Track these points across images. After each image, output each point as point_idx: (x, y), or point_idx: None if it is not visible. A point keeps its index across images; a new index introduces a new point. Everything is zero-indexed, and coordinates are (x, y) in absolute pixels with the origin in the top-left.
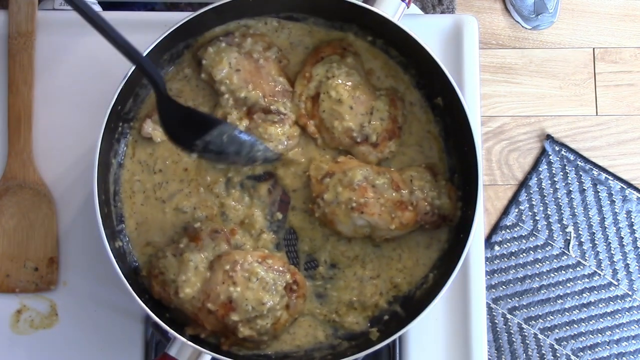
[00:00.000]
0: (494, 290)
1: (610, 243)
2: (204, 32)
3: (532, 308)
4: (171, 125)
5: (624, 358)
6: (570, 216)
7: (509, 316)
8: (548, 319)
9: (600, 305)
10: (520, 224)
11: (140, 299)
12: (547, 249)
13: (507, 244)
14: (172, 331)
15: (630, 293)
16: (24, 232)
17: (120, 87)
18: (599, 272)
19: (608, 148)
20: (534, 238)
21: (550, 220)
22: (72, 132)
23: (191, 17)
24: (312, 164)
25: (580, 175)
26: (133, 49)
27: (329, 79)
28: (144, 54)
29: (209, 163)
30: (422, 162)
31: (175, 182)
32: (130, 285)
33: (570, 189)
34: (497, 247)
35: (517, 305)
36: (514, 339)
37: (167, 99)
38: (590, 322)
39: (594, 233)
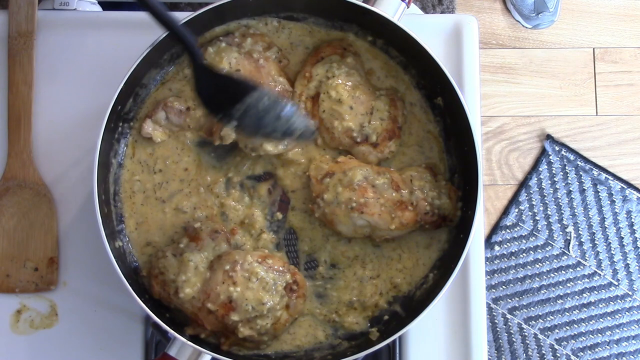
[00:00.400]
0: (494, 290)
1: (610, 243)
2: (204, 32)
3: (532, 308)
4: (207, 95)
5: (624, 358)
6: (570, 216)
7: (509, 316)
8: (548, 319)
9: (600, 305)
10: (520, 224)
11: (140, 299)
12: (547, 249)
13: (507, 244)
14: (172, 331)
15: (630, 293)
16: (24, 232)
17: (120, 87)
18: (599, 272)
19: (608, 148)
20: (534, 238)
21: (550, 220)
22: (72, 132)
23: (191, 17)
24: (312, 164)
25: (580, 175)
26: (168, 16)
27: (329, 79)
28: (183, 21)
29: (244, 136)
30: (422, 162)
31: (176, 182)
32: (130, 285)
33: (570, 189)
34: (497, 247)
35: (517, 305)
36: (514, 339)
37: (203, 68)
38: (591, 322)
39: (594, 233)
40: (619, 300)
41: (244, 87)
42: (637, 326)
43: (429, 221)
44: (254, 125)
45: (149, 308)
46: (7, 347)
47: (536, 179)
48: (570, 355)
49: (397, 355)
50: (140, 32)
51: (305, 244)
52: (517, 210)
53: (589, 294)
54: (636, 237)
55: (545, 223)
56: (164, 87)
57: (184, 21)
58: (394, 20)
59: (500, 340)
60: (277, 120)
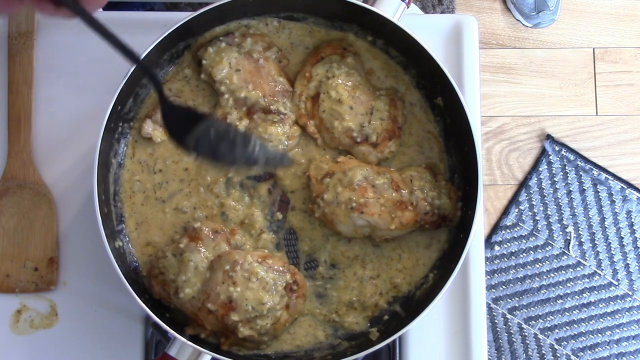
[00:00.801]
0: (494, 290)
1: (610, 243)
2: (204, 32)
3: (532, 308)
4: (171, 124)
5: (624, 358)
6: (570, 216)
7: (509, 316)
8: (548, 319)
9: (600, 305)
10: (520, 224)
11: (140, 299)
12: (547, 249)
13: (507, 244)
14: (172, 331)
15: (630, 293)
16: (24, 232)
17: (120, 87)
18: (599, 272)
19: (608, 148)
20: (534, 238)
21: (550, 220)
22: (72, 132)
23: (191, 17)
24: (312, 164)
25: (580, 175)
26: (131, 52)
27: (329, 79)
28: (143, 56)
29: (210, 165)
30: (422, 162)
31: (176, 182)
32: (130, 285)
33: (570, 189)
34: (497, 247)
35: (517, 305)
36: (514, 339)
37: (163, 99)
38: (590, 322)
39: (594, 233)
40: (619, 300)
41: (192, 116)
42: (637, 326)
43: (429, 221)
44: (212, 156)
45: (149, 308)
46: (7, 347)
47: (536, 179)
48: (570, 355)
49: (397, 355)
50: (140, 32)
51: (305, 244)
52: (517, 210)
53: (589, 294)
54: (636, 237)
55: (545, 223)
56: (164, 87)
57: (178, 25)
58: (394, 20)
59: (500, 340)
60: (232, 150)
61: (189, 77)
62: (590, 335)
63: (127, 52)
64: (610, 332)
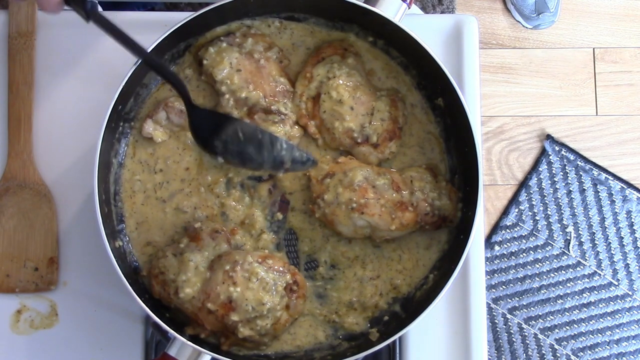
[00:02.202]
0: (494, 290)
1: (610, 243)
2: (205, 32)
3: (532, 308)
4: (198, 129)
5: (624, 358)
6: (570, 216)
7: (509, 316)
8: (548, 319)
9: (600, 305)
10: (520, 224)
11: (140, 299)
12: (547, 249)
13: (507, 244)
14: (172, 331)
15: (630, 293)
16: (24, 232)
17: (121, 87)
18: (599, 272)
19: (608, 148)
20: (534, 238)
21: (550, 220)
22: (72, 132)
23: (192, 17)
24: None
25: (580, 175)
26: (163, 64)
27: (329, 79)
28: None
29: (238, 168)
30: (423, 162)
31: (176, 181)
32: (130, 285)
33: (570, 189)
34: (497, 247)
35: (517, 305)
36: (514, 339)
37: (192, 106)
38: (590, 322)
39: (594, 233)
40: (619, 300)
41: (221, 119)
42: (637, 326)
43: (429, 222)
44: (240, 159)
45: (149, 308)
46: (7, 347)
47: (536, 179)
48: (570, 355)
49: (397, 355)
50: (140, 32)
51: (305, 244)
52: (517, 210)
53: (589, 294)
54: (636, 237)
55: (545, 223)
56: (165, 87)
57: (179, 25)
58: (395, 20)
59: (500, 340)
60: (260, 152)
61: (189, 78)
62: (590, 335)
63: (163, 70)
64: (610, 332)
